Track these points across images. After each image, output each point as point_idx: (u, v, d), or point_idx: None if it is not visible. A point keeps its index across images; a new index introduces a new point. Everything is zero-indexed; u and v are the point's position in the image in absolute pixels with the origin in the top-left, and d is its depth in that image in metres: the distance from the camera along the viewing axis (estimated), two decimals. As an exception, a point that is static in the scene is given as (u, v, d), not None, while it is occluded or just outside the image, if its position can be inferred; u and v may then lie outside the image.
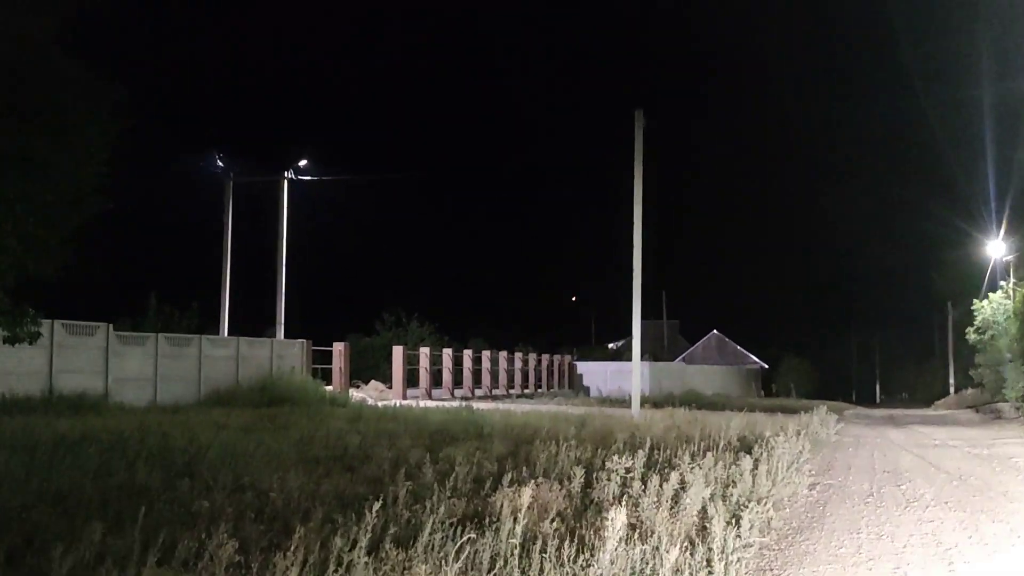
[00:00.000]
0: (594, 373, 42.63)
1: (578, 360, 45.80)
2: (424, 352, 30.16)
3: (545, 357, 40.11)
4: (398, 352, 28.41)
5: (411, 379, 30.85)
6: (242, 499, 6.92)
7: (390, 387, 28.49)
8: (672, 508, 7.07)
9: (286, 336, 29.37)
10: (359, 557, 4.87)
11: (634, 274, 21.15)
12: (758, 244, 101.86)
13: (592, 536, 5.97)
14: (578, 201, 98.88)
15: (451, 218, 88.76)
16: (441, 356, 31.66)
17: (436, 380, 32.11)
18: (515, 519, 5.67)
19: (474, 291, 78.14)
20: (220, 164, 30.71)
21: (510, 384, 35.87)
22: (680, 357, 66.67)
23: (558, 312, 76.27)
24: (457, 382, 32.56)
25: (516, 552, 5.37)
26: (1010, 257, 31.51)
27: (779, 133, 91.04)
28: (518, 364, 36.87)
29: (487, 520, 6.00)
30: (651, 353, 53.41)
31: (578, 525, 6.35)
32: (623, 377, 38.87)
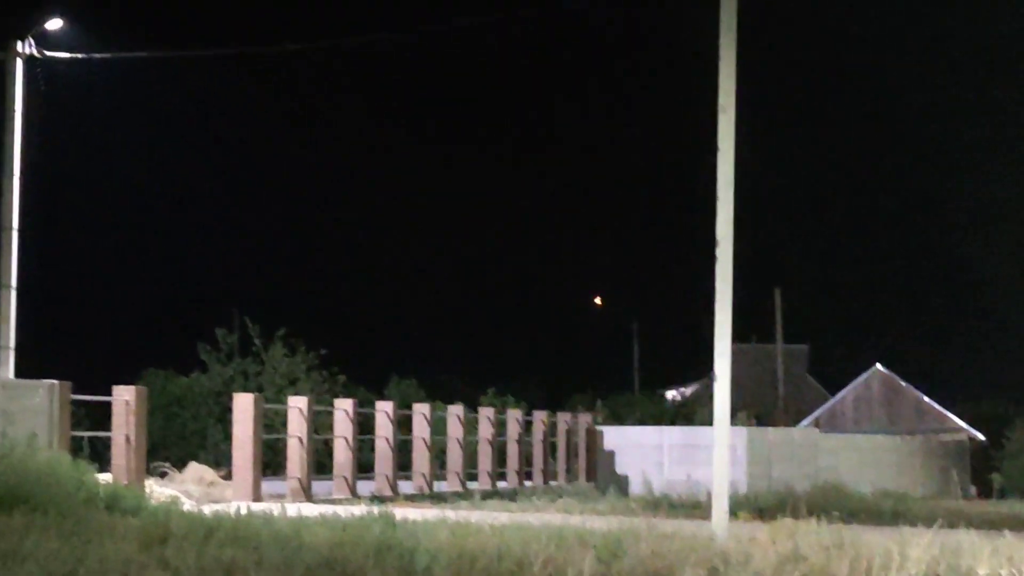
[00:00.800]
0: (637, 448, 43.10)
1: (606, 424, 46.05)
2: (298, 406, 29.15)
3: (541, 416, 40.25)
4: (245, 405, 27.55)
5: (271, 459, 30.71)
6: None
7: (228, 475, 28.44)
8: None
9: (20, 374, 29.27)
10: None
11: (718, 251, 20.78)
12: (958, 209, 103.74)
13: None
14: (614, 131, 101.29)
15: (362, 147, 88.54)
16: (333, 415, 31.41)
17: (323, 462, 32.06)
18: None
19: (402, 292, 77.61)
20: None
21: (469, 470, 36.06)
22: (810, 417, 66.56)
23: (568, 332, 75.64)
24: (365, 466, 32.67)
25: None
26: None
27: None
28: (485, 431, 37.01)
29: None
30: (751, 409, 53.52)
31: None
32: (694, 456, 38.85)
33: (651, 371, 72.49)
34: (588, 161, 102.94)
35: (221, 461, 31.43)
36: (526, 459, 39.24)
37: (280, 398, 34.00)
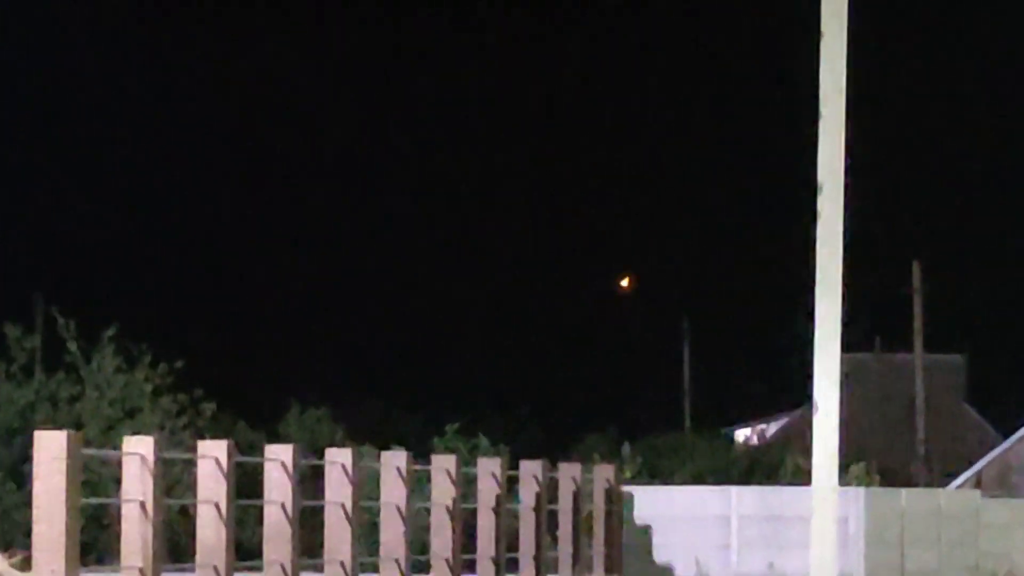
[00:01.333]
0: (689, 521, 43.96)
1: (638, 482, 46.74)
2: (140, 452, 26.29)
3: (533, 470, 39.08)
4: (53, 449, 24.79)
5: (98, 538, 32.97)
6: None
7: (27, 562, 25.13)
8: None
9: None
10: None
11: (819, 202, 18.98)
12: None
13: None
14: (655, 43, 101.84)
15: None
16: (195, 466, 29.98)
17: (179, 543, 33.00)
18: None
19: (310, 277, 78.37)
20: None
21: (417, 556, 35.21)
22: (969, 472, 65.14)
23: (580, 335, 75.10)
24: (248, 549, 32.53)
25: None
26: None
27: None
28: (443, 493, 35.87)
29: None
30: (872, 459, 53.96)
31: None
32: (780, 535, 41.19)
33: (710, 398, 72.00)
34: (609, 121, 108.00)
35: (14, 539, 31.53)
36: (509, 539, 38.03)
37: (111, 438, 34.22)
